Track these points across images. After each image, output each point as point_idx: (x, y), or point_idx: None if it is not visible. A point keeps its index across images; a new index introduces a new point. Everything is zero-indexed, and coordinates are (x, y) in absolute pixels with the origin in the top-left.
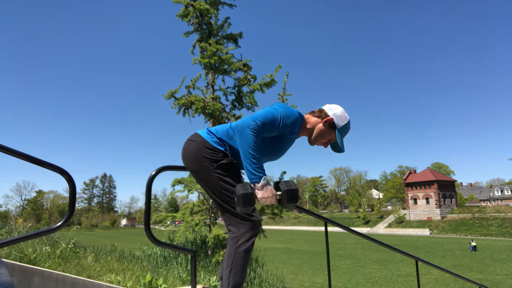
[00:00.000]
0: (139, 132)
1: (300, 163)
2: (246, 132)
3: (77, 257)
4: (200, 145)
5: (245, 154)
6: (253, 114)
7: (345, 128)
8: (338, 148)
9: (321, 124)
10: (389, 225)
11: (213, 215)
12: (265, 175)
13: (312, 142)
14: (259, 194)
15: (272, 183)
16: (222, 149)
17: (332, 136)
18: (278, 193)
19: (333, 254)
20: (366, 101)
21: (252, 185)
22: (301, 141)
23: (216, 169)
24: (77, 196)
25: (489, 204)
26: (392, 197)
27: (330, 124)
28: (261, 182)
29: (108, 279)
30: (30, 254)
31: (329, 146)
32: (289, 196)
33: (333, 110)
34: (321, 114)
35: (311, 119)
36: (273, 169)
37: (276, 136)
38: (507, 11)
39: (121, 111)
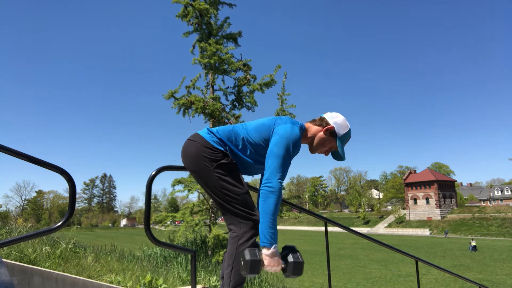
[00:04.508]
0: (139, 132)
1: (300, 163)
2: (271, 198)
3: (77, 257)
4: (200, 145)
5: (264, 219)
6: (272, 164)
7: (346, 136)
8: (339, 156)
9: (322, 133)
10: (389, 225)
11: (213, 215)
12: (276, 243)
13: (313, 150)
14: (265, 261)
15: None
16: (222, 149)
17: (333, 144)
18: (284, 262)
19: (333, 254)
20: (366, 100)
21: (260, 250)
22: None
23: (216, 168)
24: (77, 196)
25: (489, 204)
26: (392, 197)
27: (331, 133)
28: (271, 250)
29: (108, 279)
30: (30, 254)
31: (329, 154)
32: (295, 269)
33: (334, 119)
34: (322, 122)
35: (312, 128)
36: None
37: None
38: (507, 10)
39: (121, 111)
